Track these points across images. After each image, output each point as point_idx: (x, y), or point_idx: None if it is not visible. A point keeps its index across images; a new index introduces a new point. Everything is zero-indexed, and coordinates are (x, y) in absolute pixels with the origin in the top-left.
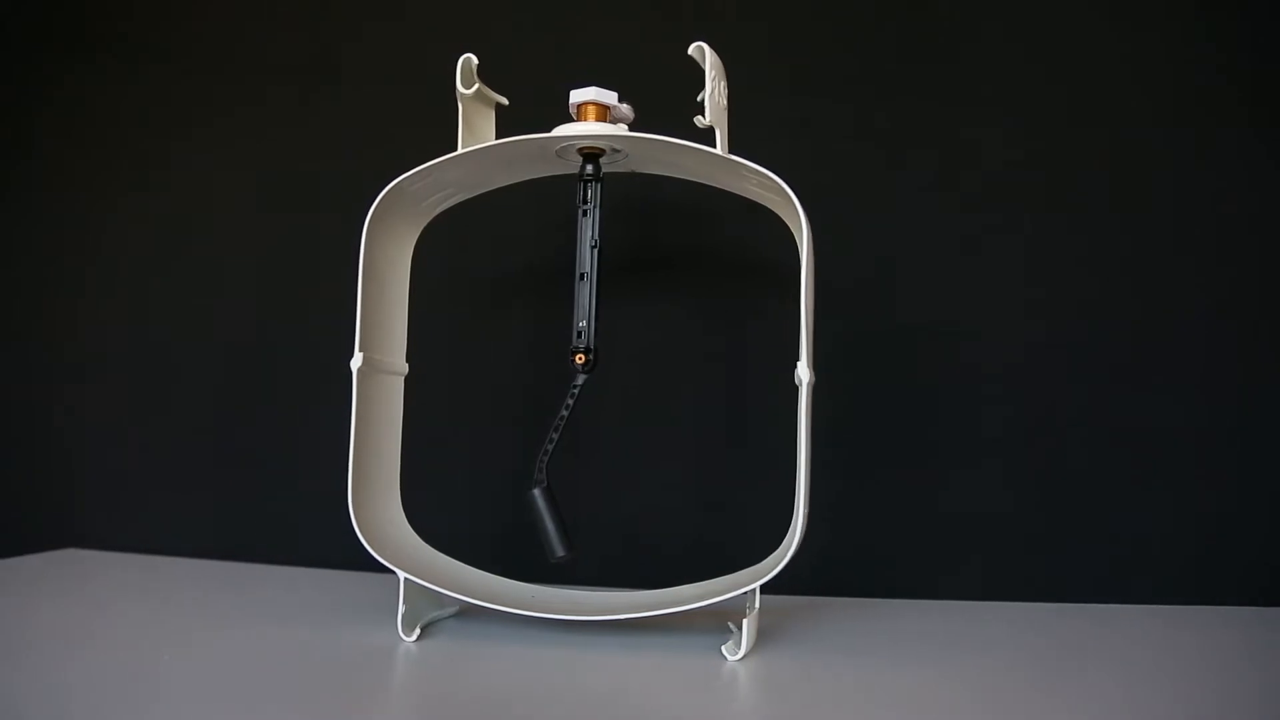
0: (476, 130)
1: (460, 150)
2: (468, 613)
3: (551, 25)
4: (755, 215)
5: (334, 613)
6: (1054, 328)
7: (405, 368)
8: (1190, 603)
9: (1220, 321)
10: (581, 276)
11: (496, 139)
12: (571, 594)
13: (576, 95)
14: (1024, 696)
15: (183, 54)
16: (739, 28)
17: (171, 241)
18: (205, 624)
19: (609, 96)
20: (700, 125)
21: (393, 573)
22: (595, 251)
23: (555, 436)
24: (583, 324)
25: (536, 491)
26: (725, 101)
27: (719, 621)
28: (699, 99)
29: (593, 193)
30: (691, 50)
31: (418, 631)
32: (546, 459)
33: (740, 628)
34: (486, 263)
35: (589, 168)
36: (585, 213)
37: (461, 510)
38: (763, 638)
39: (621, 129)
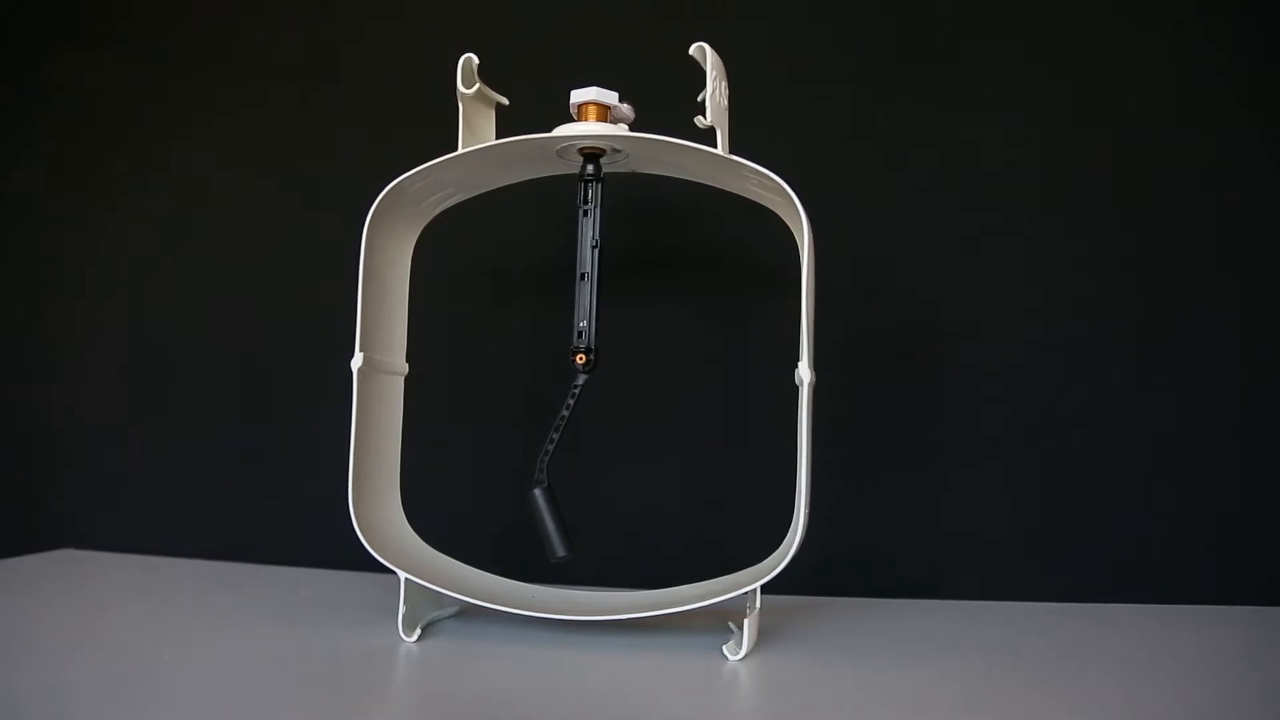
0: (477, 130)
1: (461, 150)
2: (468, 613)
3: (551, 25)
4: (755, 215)
5: (334, 613)
6: (1054, 327)
7: (405, 368)
8: (1190, 602)
9: (1220, 321)
10: (582, 276)
11: (496, 139)
12: (572, 594)
13: (577, 95)
14: (1024, 696)
15: (183, 54)
16: (739, 27)
17: (171, 241)
18: (205, 624)
19: (610, 96)
20: (701, 125)
21: (392, 573)
22: (596, 251)
23: (556, 436)
24: (583, 324)
25: (537, 491)
26: (726, 102)
27: (719, 621)
28: (699, 99)
29: (593, 193)
30: (693, 50)
31: (418, 632)
32: (547, 459)
33: (740, 628)
34: (486, 263)
35: (590, 168)
36: (586, 213)
37: (461, 510)
38: (763, 637)
39: (622, 129)
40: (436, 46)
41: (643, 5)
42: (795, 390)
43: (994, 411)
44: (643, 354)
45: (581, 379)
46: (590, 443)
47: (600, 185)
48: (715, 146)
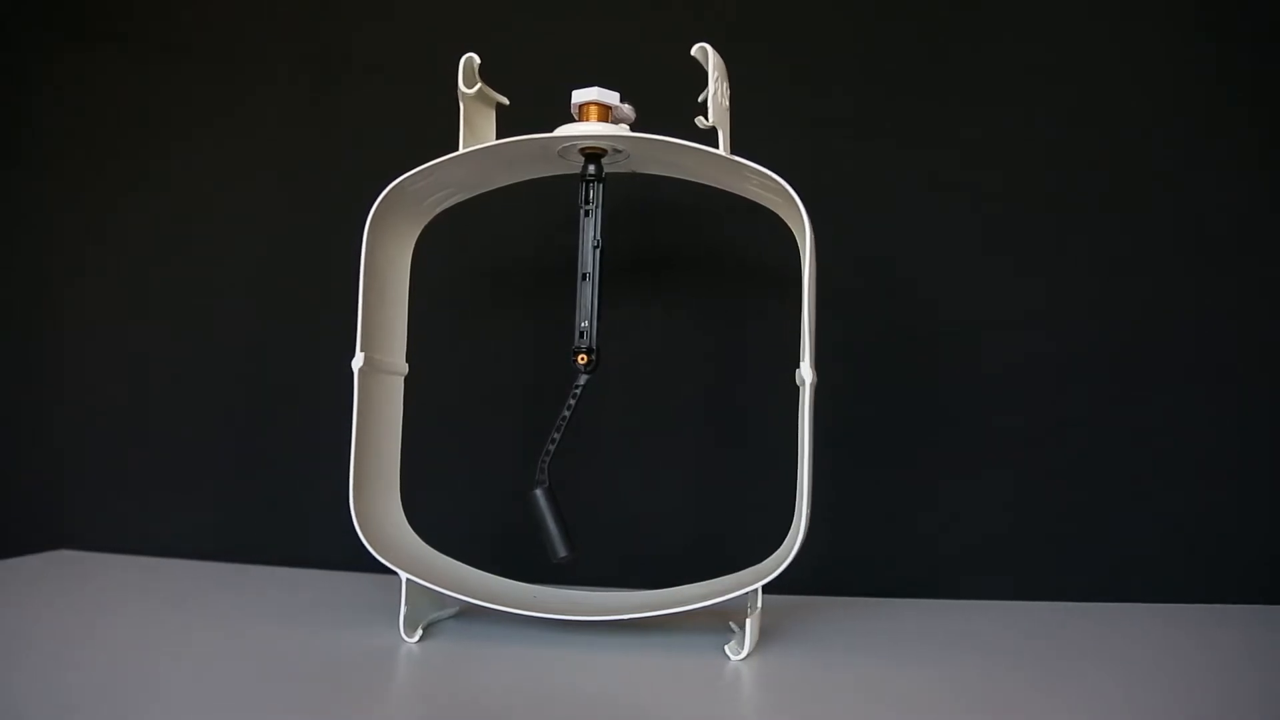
0: (477, 130)
1: (462, 150)
2: (468, 613)
3: (551, 25)
4: (755, 215)
5: (334, 614)
6: (1054, 327)
7: (405, 367)
8: (1190, 602)
9: (1220, 321)
10: (584, 277)
11: (496, 139)
12: (572, 594)
13: (579, 95)
14: (1024, 696)
15: (183, 54)
16: (739, 28)
17: (171, 241)
18: (205, 625)
19: (611, 97)
20: (702, 126)
21: (392, 573)
22: (597, 252)
23: (557, 437)
24: (585, 324)
25: (538, 492)
26: (727, 103)
27: (720, 621)
28: (700, 99)
29: (595, 193)
30: (694, 51)
31: (419, 632)
32: (548, 459)
33: (741, 627)
34: (486, 263)
35: (591, 168)
36: (587, 213)
37: (461, 510)
38: (765, 637)
39: (623, 129)
40: (436, 46)
41: (643, 5)
42: (795, 390)
43: (994, 411)
44: (643, 354)
45: (583, 379)
46: (590, 443)
47: (602, 185)
48: (716, 147)
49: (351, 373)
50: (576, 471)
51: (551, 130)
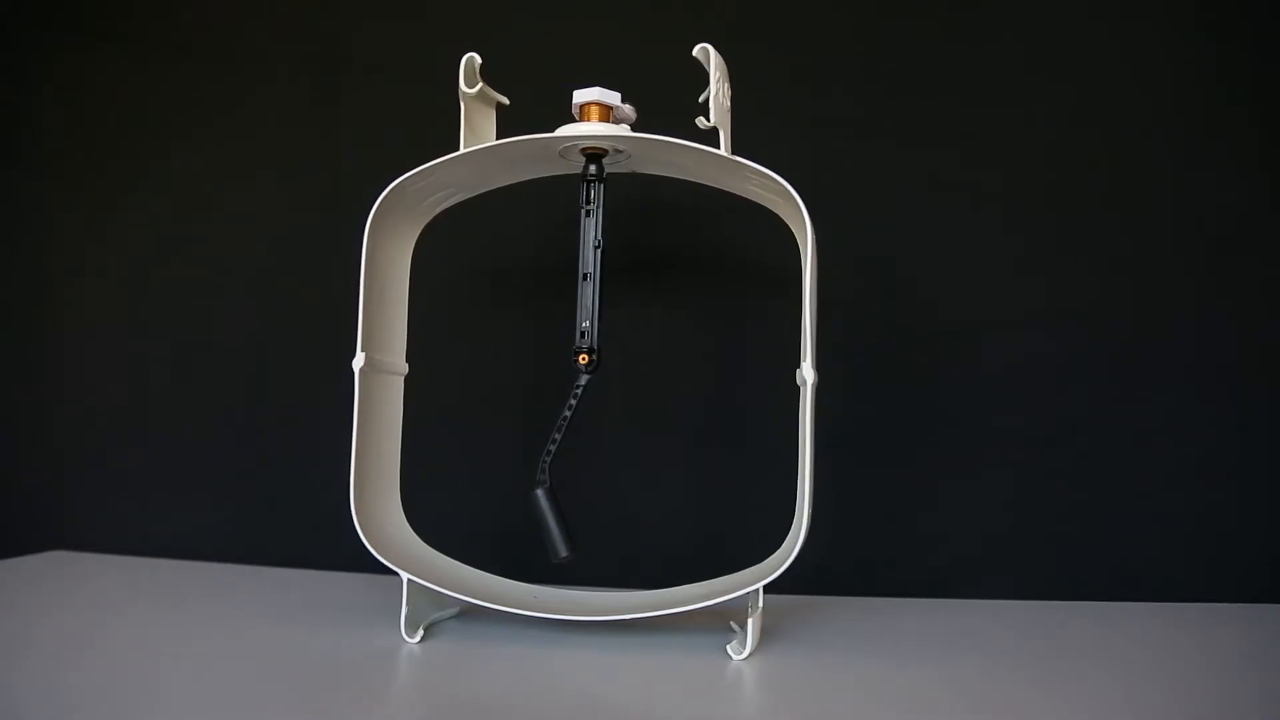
0: (478, 130)
1: (463, 150)
2: (469, 614)
3: (551, 25)
4: (755, 215)
5: (334, 615)
6: (1054, 327)
7: (405, 367)
8: (1190, 601)
9: (1220, 321)
10: (585, 277)
11: (496, 139)
12: (573, 594)
13: (580, 95)
14: (1024, 696)
15: (183, 54)
16: (739, 28)
17: (171, 241)
18: (205, 626)
19: (612, 97)
20: (703, 127)
21: (391, 574)
22: (598, 252)
23: (558, 437)
24: (586, 324)
25: (539, 492)
26: (728, 103)
27: (721, 621)
28: (701, 100)
29: (596, 193)
30: (696, 52)
31: (421, 633)
32: (549, 459)
33: (742, 627)
34: (486, 263)
35: (592, 168)
36: (588, 213)
37: (461, 510)
38: (766, 637)
39: (624, 129)
40: (436, 46)
41: (643, 5)
42: (795, 390)
43: (994, 411)
44: (643, 354)
45: (584, 379)
46: (591, 443)
47: (603, 186)
48: (717, 147)
49: (352, 372)
50: (577, 471)
51: (552, 130)
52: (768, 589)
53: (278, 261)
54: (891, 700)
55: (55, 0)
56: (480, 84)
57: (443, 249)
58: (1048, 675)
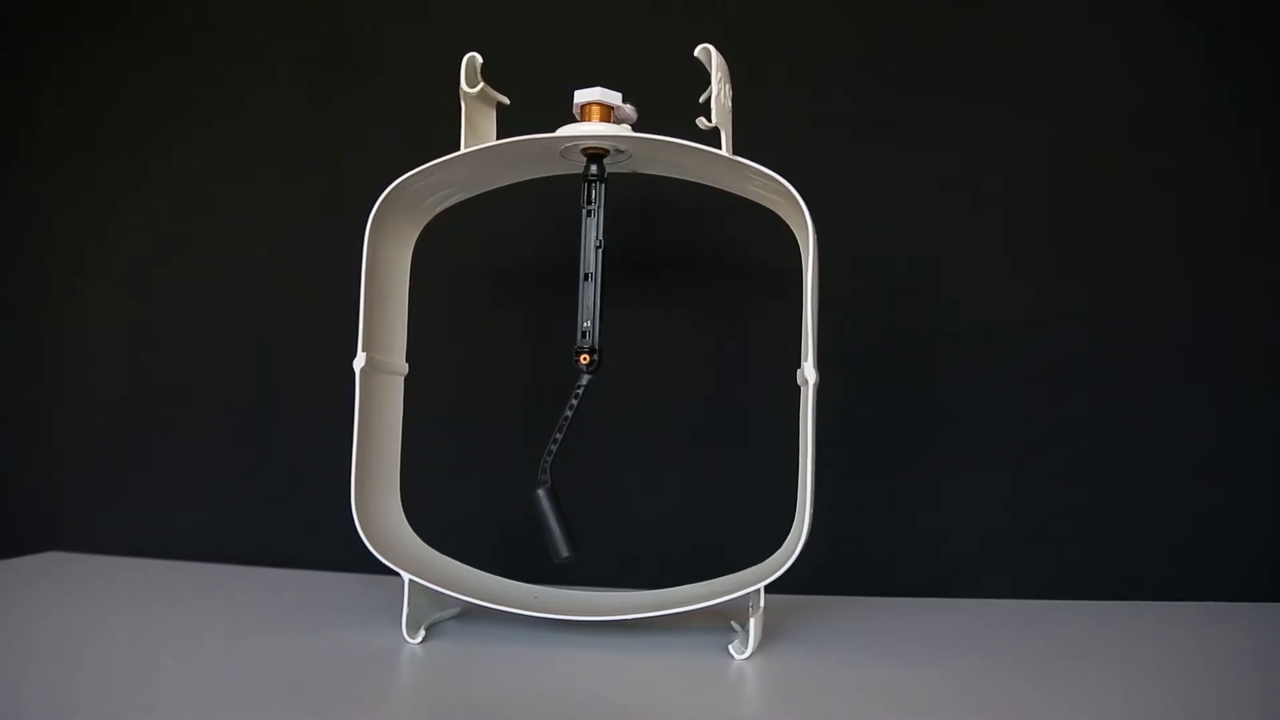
0: (478, 129)
1: (464, 150)
2: (470, 614)
3: (551, 25)
4: (755, 215)
5: (334, 615)
6: (1054, 327)
7: (405, 367)
8: (1190, 599)
9: (1220, 321)
10: (586, 277)
11: (496, 138)
12: (574, 594)
13: (581, 95)
14: (1024, 696)
15: (183, 54)
16: (739, 28)
17: (171, 241)
18: (205, 627)
19: (613, 97)
20: (704, 127)
21: (391, 574)
22: (600, 252)
23: (559, 437)
24: (587, 324)
25: (541, 492)
26: (729, 104)
27: (721, 621)
28: (702, 100)
29: (597, 193)
30: (698, 52)
31: (422, 633)
32: (551, 459)
33: (743, 627)
34: (487, 263)
35: (593, 168)
36: (590, 213)
37: (461, 510)
38: (767, 636)
39: (625, 129)
40: (436, 46)
41: (643, 5)
42: (795, 390)
43: (994, 411)
44: (643, 354)
45: (585, 379)
46: (591, 443)
47: (604, 186)
48: (718, 147)
49: (351, 372)
50: (577, 472)
51: (551, 130)
52: (768, 589)
53: (278, 261)
54: (893, 699)
55: (55, 0)
56: (481, 84)
57: (443, 249)
58: (1048, 675)
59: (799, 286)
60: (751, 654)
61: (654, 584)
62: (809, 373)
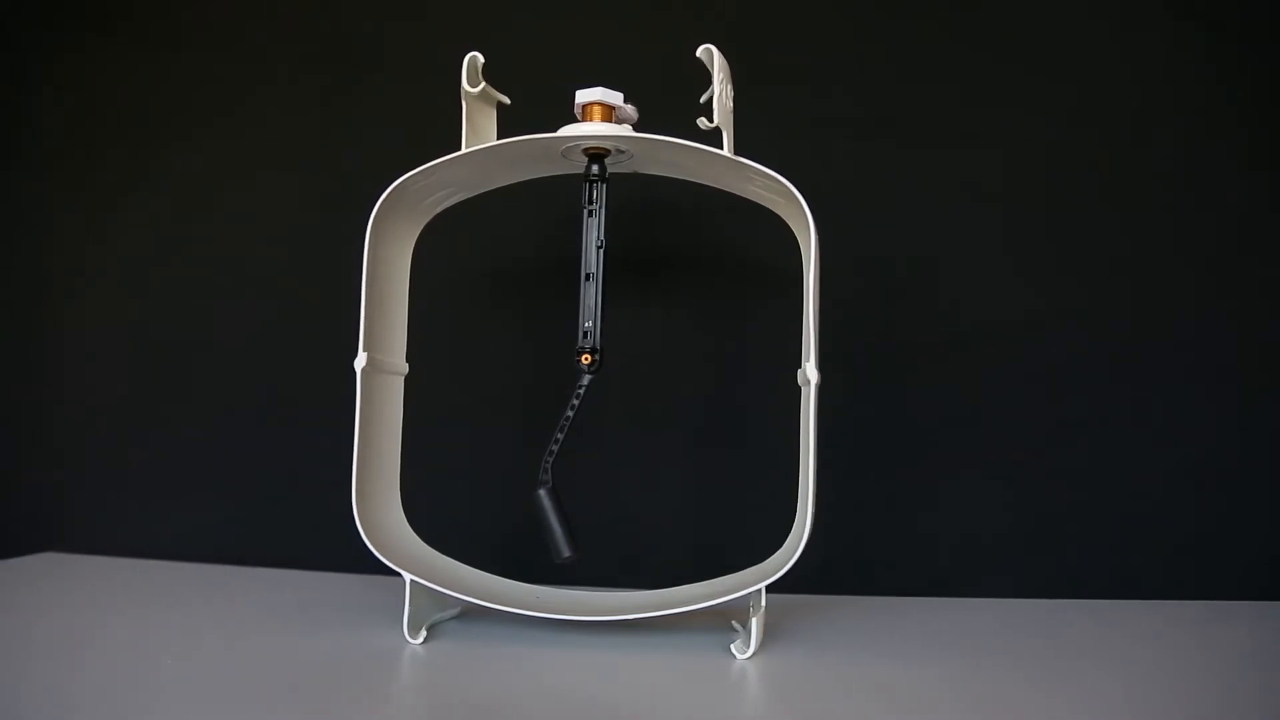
0: (479, 129)
1: (465, 149)
2: (470, 614)
3: (551, 25)
4: (755, 215)
5: (335, 615)
6: (1054, 327)
7: (405, 367)
8: (1191, 598)
9: (1220, 321)
10: (587, 277)
11: (496, 138)
12: (575, 595)
13: (583, 95)
14: (1025, 696)
15: (183, 54)
16: (739, 28)
17: (171, 241)
18: (205, 628)
19: (615, 97)
20: (705, 127)
21: (391, 574)
22: (601, 252)
23: (560, 437)
24: (589, 324)
25: (542, 492)
26: (731, 104)
27: (722, 621)
28: (703, 100)
29: (598, 193)
30: (700, 53)
31: (424, 633)
32: (552, 459)
33: (744, 626)
34: (487, 263)
35: (595, 168)
36: (591, 213)
37: (461, 510)
38: (768, 636)
39: (627, 129)
40: (437, 46)
41: (643, 5)
42: (795, 390)
43: (994, 411)
44: (643, 354)
45: (586, 379)
46: (590, 443)
47: (605, 186)
48: (720, 148)
49: (351, 372)
50: (576, 471)
51: (552, 130)
52: (768, 589)
53: (278, 261)
54: (894, 699)
55: (55, 0)
56: (483, 83)
57: (443, 249)
58: (1048, 675)
59: (799, 286)
60: (753, 653)
61: (654, 584)
62: (810, 373)
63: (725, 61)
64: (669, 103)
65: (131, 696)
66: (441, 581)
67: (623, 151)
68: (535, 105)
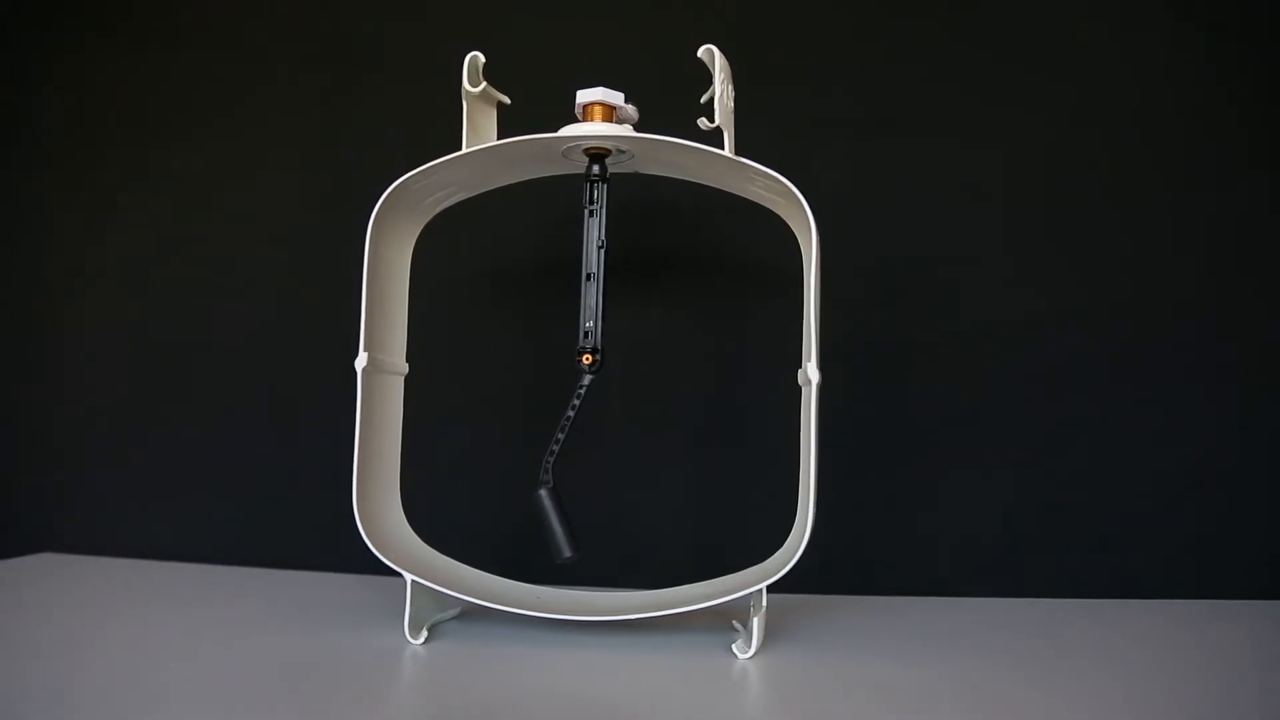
0: (479, 129)
1: (465, 149)
2: (470, 614)
3: (551, 25)
4: (755, 215)
5: (335, 616)
6: (1054, 328)
7: (405, 367)
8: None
9: (1220, 322)
10: (588, 277)
11: (496, 138)
12: (575, 595)
13: (584, 95)
14: (1024, 696)
15: (183, 54)
16: (739, 28)
17: (171, 241)
18: (205, 628)
19: (616, 97)
20: (706, 128)
21: (391, 575)
22: (602, 252)
23: (561, 437)
24: (590, 324)
25: (543, 492)
26: (732, 104)
27: (723, 621)
28: (704, 100)
29: (599, 193)
30: (701, 53)
31: (425, 634)
32: (553, 459)
33: (744, 626)
34: (486, 263)
35: (596, 168)
36: (592, 213)
37: (461, 510)
38: (768, 635)
39: (628, 129)
40: (437, 46)
41: (643, 5)
42: (795, 390)
43: (994, 411)
44: (643, 355)
45: (587, 379)
46: (591, 443)
47: (606, 186)
48: (720, 148)
49: (352, 372)
50: (576, 471)
51: (552, 130)
52: (769, 588)
53: (278, 261)
54: (894, 699)
55: (55, 0)
56: (483, 83)
57: (443, 249)
58: (1048, 675)
59: (799, 286)
60: (754, 653)
61: (654, 584)
62: (811, 373)
63: (726, 61)
64: (669, 103)
65: (131, 697)
66: (442, 581)
67: (623, 151)
68: (535, 105)
